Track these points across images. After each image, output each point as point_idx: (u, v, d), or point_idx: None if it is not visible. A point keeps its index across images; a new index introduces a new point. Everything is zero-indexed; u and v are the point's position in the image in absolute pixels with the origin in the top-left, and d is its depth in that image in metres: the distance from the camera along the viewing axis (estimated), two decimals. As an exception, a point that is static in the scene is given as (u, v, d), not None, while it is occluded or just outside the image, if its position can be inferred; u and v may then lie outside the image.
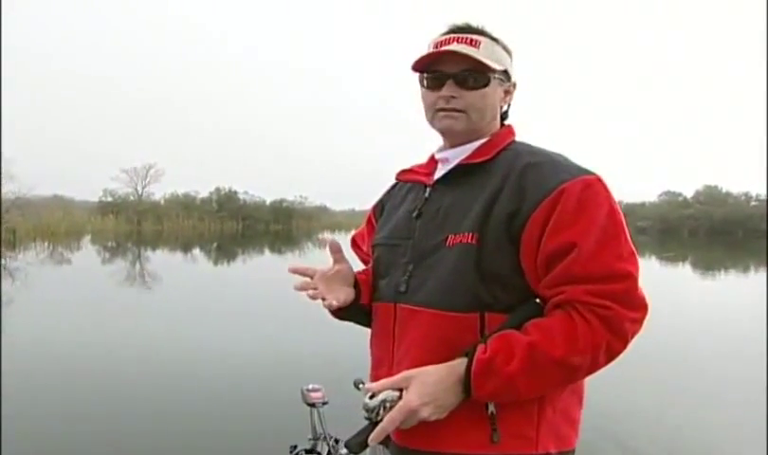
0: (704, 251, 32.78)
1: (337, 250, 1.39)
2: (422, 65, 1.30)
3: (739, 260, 25.74)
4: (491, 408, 1.15)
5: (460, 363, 1.13)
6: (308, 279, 1.37)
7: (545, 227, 1.14)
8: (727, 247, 35.80)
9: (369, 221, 1.56)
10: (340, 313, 1.38)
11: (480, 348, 1.12)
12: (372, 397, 1.11)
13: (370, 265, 1.45)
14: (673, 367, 6.48)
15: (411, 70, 1.32)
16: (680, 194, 60.62)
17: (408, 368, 1.15)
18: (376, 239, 1.43)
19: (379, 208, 1.52)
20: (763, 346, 6.80)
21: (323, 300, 1.32)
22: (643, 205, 60.89)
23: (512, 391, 1.11)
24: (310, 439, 2.46)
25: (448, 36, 1.29)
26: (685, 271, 21.34)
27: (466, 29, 1.29)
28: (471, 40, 1.27)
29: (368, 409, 1.11)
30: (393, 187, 1.50)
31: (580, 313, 1.10)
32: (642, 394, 5.31)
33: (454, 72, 1.26)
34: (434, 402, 1.11)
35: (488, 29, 1.32)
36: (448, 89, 1.27)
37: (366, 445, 1.12)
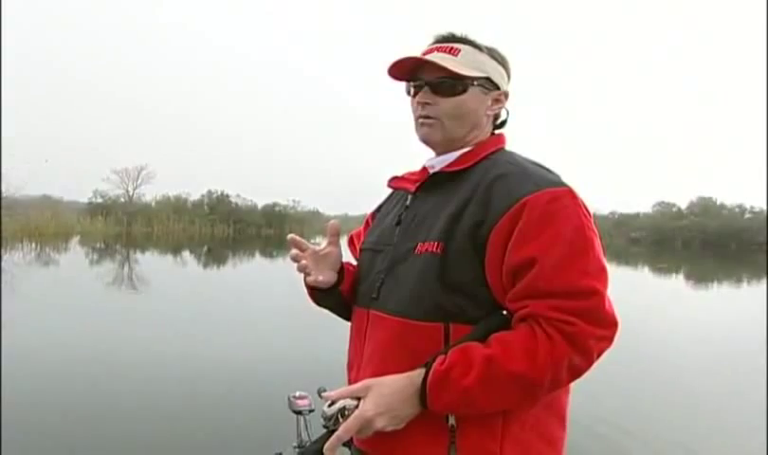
0: (698, 263, 32.94)
1: (334, 233, 1.40)
2: (397, 73, 1.32)
3: (732, 272, 25.85)
4: (451, 420, 1.14)
5: (418, 374, 1.12)
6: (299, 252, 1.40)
7: (508, 239, 1.13)
8: (721, 259, 35.99)
9: (366, 223, 1.55)
10: (320, 295, 1.41)
11: (438, 359, 1.11)
12: (331, 405, 1.11)
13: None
14: (666, 377, 6.50)
15: (390, 79, 1.34)
16: (674, 205, 61.07)
17: (371, 374, 1.17)
18: (363, 243, 1.45)
19: (377, 212, 1.52)
20: (760, 357, 6.89)
21: (308, 274, 1.36)
22: (637, 215, 61.31)
23: (468, 405, 1.10)
24: (295, 447, 2.39)
25: (430, 47, 1.31)
26: (678, 282, 21.40)
27: (449, 39, 1.31)
28: (451, 48, 1.28)
29: (325, 417, 1.11)
30: (393, 192, 1.50)
31: (543, 328, 1.08)
32: (634, 404, 5.30)
33: (430, 79, 1.28)
34: (390, 412, 1.10)
35: (480, 39, 1.32)
36: (423, 96, 1.29)
37: (321, 453, 1.11)
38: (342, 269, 1.41)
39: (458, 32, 1.31)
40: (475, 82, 1.28)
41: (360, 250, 1.45)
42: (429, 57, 1.28)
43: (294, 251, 1.39)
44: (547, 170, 1.24)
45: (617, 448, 4.28)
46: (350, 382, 1.29)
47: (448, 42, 1.31)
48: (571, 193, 1.17)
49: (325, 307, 1.46)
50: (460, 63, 1.26)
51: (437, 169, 1.33)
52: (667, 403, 5.55)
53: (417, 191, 1.34)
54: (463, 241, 1.17)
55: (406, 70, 1.31)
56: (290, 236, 1.41)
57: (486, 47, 1.32)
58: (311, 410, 2.44)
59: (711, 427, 4.95)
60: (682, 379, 6.57)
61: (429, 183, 1.32)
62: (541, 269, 1.10)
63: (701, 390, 6.13)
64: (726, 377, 6.64)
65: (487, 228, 1.15)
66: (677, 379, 6.55)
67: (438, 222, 1.22)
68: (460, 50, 1.28)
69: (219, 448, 4.00)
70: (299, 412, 2.45)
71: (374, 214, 1.53)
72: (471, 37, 1.32)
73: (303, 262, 1.37)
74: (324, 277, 1.36)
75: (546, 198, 1.14)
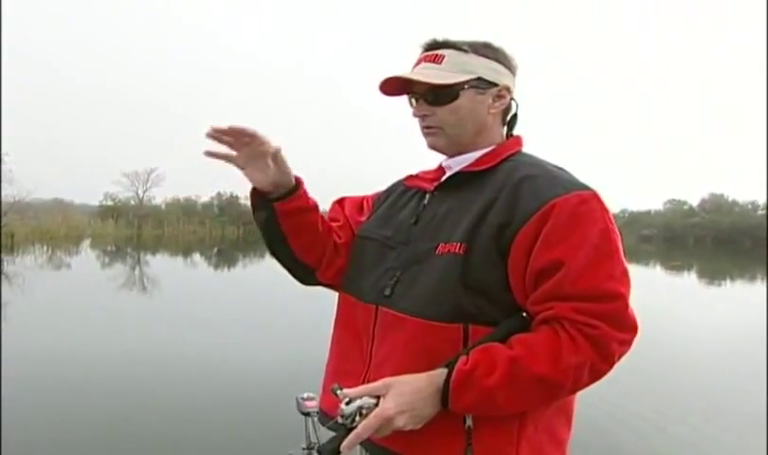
0: (710, 260, 32.72)
1: (276, 158, 1.28)
2: (389, 90, 1.32)
3: (745, 269, 25.65)
4: (468, 422, 1.13)
5: (440, 373, 1.11)
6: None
7: (535, 241, 1.12)
8: (734, 257, 35.72)
9: (365, 202, 1.52)
10: (258, 201, 1.35)
11: (461, 359, 1.10)
12: (348, 403, 1.08)
13: (334, 224, 1.45)
14: (678, 375, 6.49)
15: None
16: (685, 203, 60.67)
17: (388, 374, 1.13)
18: (366, 231, 1.41)
19: (379, 199, 1.48)
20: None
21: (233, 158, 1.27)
22: (648, 213, 60.97)
23: (490, 405, 1.09)
24: (304, 448, 2.39)
25: (419, 56, 1.31)
26: (690, 280, 21.26)
27: (432, 46, 1.30)
28: (435, 56, 1.28)
29: (343, 415, 1.08)
30: (398, 186, 1.46)
31: (566, 330, 1.08)
32: (643, 404, 5.27)
33: (421, 92, 1.29)
34: (411, 411, 1.08)
35: (464, 35, 1.29)
36: (419, 108, 1.30)
37: (338, 452, 1.08)
38: (292, 193, 1.33)
39: (440, 37, 1.30)
40: (466, 86, 1.27)
41: (360, 238, 1.41)
42: (413, 72, 1.29)
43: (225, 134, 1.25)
44: (568, 173, 1.24)
45: (624, 446, 4.27)
46: (349, 379, 1.24)
47: (432, 49, 1.29)
48: (597, 197, 1.17)
49: (258, 220, 1.38)
50: (444, 71, 1.26)
51: (456, 169, 1.31)
52: (678, 401, 5.52)
53: (435, 191, 1.32)
54: (487, 242, 1.15)
55: (398, 86, 1.31)
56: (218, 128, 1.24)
57: (472, 45, 1.29)
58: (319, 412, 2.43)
59: (722, 425, 4.90)
60: (695, 377, 6.53)
61: (447, 183, 1.31)
62: (567, 272, 1.09)
63: (713, 387, 6.09)
64: (740, 376, 6.58)
65: (513, 230, 1.14)
66: (690, 378, 6.51)
67: (461, 223, 1.20)
68: (443, 57, 1.27)
69: (228, 449, 4.01)
70: (307, 414, 2.42)
71: (375, 199, 1.51)
72: (454, 38, 1.30)
73: (231, 148, 1.26)
74: (252, 176, 1.30)
75: (574, 201, 1.13)
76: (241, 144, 1.25)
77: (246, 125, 1.23)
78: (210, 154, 1.25)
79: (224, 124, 1.22)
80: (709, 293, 16.98)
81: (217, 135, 1.23)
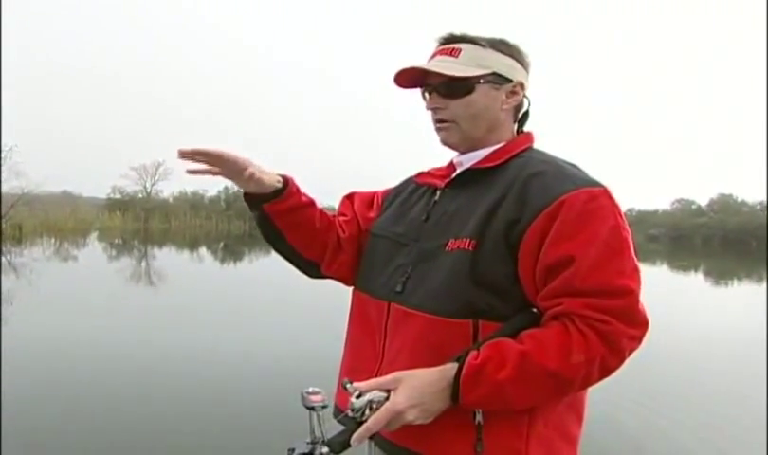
0: (717, 260, 32.54)
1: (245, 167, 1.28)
2: (404, 82, 1.32)
3: (752, 269, 25.49)
4: (478, 417, 1.14)
5: (450, 368, 1.11)
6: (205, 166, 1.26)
7: (545, 237, 1.13)
8: (741, 257, 35.52)
9: (375, 198, 1.52)
10: (249, 200, 1.36)
11: (471, 354, 1.10)
12: (359, 397, 1.09)
13: (338, 219, 1.46)
14: (679, 378, 6.43)
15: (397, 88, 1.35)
16: (693, 202, 60.29)
17: (400, 369, 1.14)
18: (378, 229, 1.41)
19: (390, 196, 1.49)
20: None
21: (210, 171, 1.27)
22: (655, 212, 60.64)
23: (501, 400, 1.10)
24: (308, 442, 2.38)
25: (435, 50, 1.31)
26: (697, 280, 21.14)
27: (450, 40, 1.30)
28: (452, 50, 1.28)
29: (353, 409, 1.09)
30: (409, 183, 1.47)
31: (577, 326, 1.08)
32: (645, 405, 5.23)
33: (436, 84, 1.28)
34: (421, 406, 1.09)
35: (481, 31, 1.30)
36: (432, 101, 1.30)
37: (348, 445, 1.08)
38: (279, 193, 1.34)
39: (457, 31, 1.30)
40: (481, 80, 1.26)
41: (372, 235, 1.42)
42: (430, 64, 1.28)
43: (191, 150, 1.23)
44: (579, 169, 1.24)
45: (622, 447, 4.25)
46: (362, 375, 1.24)
47: (449, 43, 1.29)
48: (607, 193, 1.17)
49: (255, 220, 1.42)
50: (461, 64, 1.25)
51: (467, 166, 1.31)
52: (678, 401, 5.50)
53: (446, 187, 1.32)
54: (496, 238, 1.16)
55: (412, 78, 1.31)
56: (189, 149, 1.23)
57: (490, 41, 1.29)
58: (324, 406, 2.44)
59: (722, 426, 4.86)
60: (697, 378, 6.49)
61: (458, 179, 1.31)
62: (578, 268, 1.09)
63: (715, 388, 6.05)
64: (742, 377, 6.54)
65: (523, 226, 1.14)
66: (692, 378, 6.47)
67: (471, 219, 1.20)
68: (461, 50, 1.27)
69: (232, 443, 4.02)
70: (312, 408, 2.45)
71: (385, 196, 1.51)
72: (472, 33, 1.30)
73: (207, 165, 1.25)
74: (238, 183, 1.32)
75: (584, 197, 1.14)
76: (214, 161, 1.26)
77: (210, 147, 1.24)
78: (193, 171, 1.27)
79: (190, 146, 1.23)
80: (715, 293, 16.88)
81: (188, 156, 1.24)
